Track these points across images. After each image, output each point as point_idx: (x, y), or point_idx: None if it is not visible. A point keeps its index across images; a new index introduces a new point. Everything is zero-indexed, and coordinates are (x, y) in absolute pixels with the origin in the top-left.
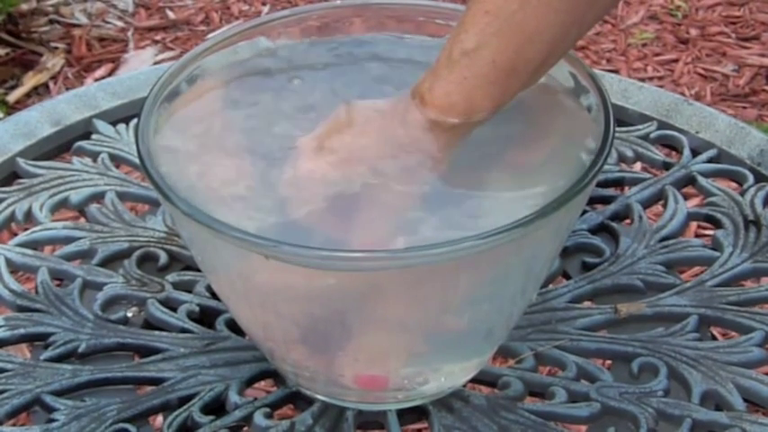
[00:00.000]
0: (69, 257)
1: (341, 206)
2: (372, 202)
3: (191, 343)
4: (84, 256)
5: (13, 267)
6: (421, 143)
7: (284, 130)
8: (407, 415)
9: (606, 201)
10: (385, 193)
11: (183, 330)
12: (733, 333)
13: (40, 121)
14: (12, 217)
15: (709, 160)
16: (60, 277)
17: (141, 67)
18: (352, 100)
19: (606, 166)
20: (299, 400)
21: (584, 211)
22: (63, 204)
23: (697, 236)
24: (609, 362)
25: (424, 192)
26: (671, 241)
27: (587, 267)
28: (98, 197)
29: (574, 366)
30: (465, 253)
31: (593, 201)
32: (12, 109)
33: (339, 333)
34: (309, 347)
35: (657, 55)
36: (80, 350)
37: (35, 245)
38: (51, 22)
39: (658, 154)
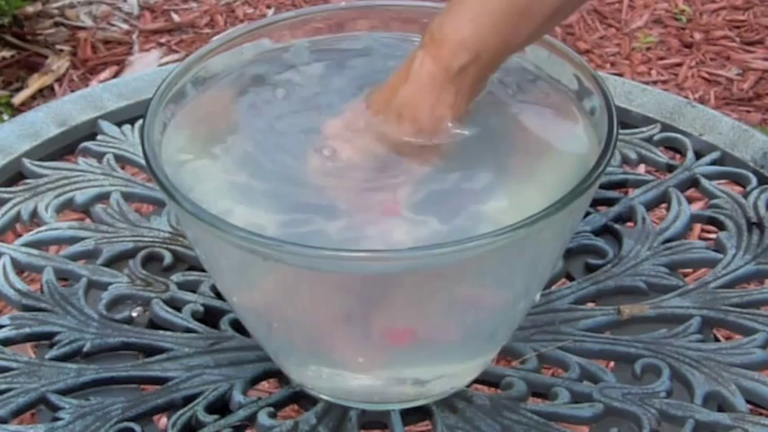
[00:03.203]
0: (74, 257)
1: (363, 189)
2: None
3: (195, 343)
4: (89, 256)
5: (19, 267)
6: (433, 100)
7: (289, 126)
8: (411, 415)
9: (610, 203)
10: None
11: (188, 330)
12: (736, 335)
13: (45, 121)
14: (17, 217)
15: (713, 163)
16: (65, 277)
17: (146, 69)
18: (353, 92)
19: (609, 168)
20: (302, 399)
21: (588, 213)
22: (68, 205)
23: (701, 238)
24: (612, 363)
25: (432, 176)
26: (674, 243)
27: (590, 269)
28: (103, 197)
29: (577, 367)
30: (470, 253)
31: (596, 202)
32: (17, 111)
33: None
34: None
35: (661, 59)
36: (85, 349)
37: (40, 245)
38: (56, 24)
39: (662, 156)
